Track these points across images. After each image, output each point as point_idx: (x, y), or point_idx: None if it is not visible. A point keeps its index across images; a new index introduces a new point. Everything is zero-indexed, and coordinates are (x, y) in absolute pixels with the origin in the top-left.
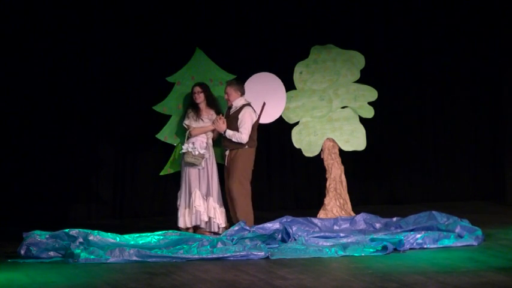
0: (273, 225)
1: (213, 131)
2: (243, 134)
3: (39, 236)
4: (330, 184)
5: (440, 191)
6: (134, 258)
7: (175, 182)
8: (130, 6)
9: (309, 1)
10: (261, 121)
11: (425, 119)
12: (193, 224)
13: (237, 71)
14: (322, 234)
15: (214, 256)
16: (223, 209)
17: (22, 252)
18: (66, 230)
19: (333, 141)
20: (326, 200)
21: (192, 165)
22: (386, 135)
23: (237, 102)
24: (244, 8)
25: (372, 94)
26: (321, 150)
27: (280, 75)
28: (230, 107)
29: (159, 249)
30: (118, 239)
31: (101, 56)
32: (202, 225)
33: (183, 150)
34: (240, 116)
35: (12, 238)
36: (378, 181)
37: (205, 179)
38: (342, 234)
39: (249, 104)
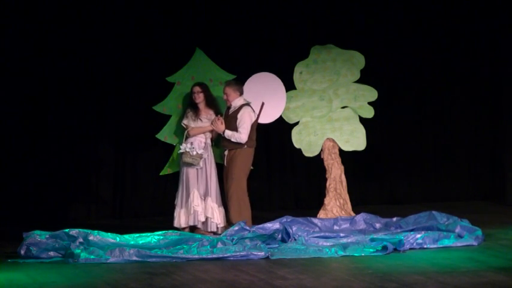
0: (273, 225)
1: (211, 131)
2: (242, 134)
3: (39, 236)
4: (330, 184)
5: (440, 191)
6: (134, 258)
7: (175, 182)
8: (130, 6)
9: (309, 1)
10: (262, 121)
11: (425, 119)
12: (190, 224)
13: (237, 71)
14: (322, 234)
15: (214, 256)
16: (222, 209)
17: (22, 252)
18: (66, 230)
19: (333, 141)
20: (326, 200)
21: (190, 165)
22: (386, 135)
23: (236, 102)
24: (244, 8)
25: (372, 94)
26: (321, 150)
27: (280, 75)
28: (229, 107)
29: (159, 249)
30: (118, 239)
31: (101, 56)
32: (199, 226)
33: (181, 150)
34: (238, 116)
35: (12, 238)
36: (378, 181)
37: (204, 179)
38: (342, 234)
39: (248, 104)
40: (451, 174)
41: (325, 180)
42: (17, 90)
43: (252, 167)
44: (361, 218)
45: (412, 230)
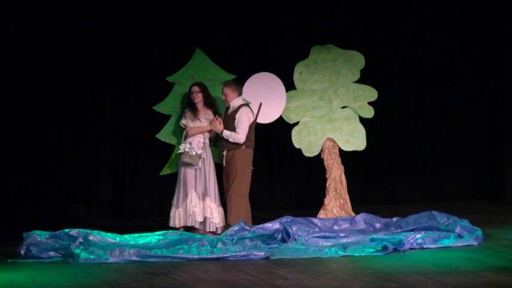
0: (273, 225)
1: (210, 131)
2: (239, 134)
3: (39, 236)
4: (330, 184)
5: (440, 191)
6: (134, 258)
7: (175, 182)
8: (130, 6)
9: (309, 1)
10: (262, 121)
11: (425, 119)
12: (187, 224)
13: (237, 71)
14: (322, 234)
15: (214, 256)
16: (220, 209)
17: (22, 252)
18: (66, 230)
19: (333, 141)
20: (326, 200)
21: (189, 165)
22: (386, 135)
23: (235, 102)
24: (244, 8)
25: (372, 94)
26: (321, 150)
27: (280, 75)
28: (228, 107)
29: (159, 249)
30: (118, 239)
31: (101, 55)
32: (197, 226)
33: (180, 151)
34: (237, 116)
35: (12, 238)
36: (378, 181)
37: (203, 179)
38: (342, 234)
39: (246, 104)
40: (451, 174)
41: (325, 180)
42: (16, 90)
43: (252, 167)
44: (361, 218)
45: (412, 230)
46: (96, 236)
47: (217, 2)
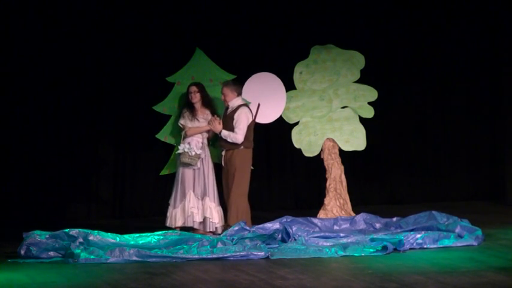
0: (273, 225)
1: (208, 131)
2: (238, 135)
3: (39, 236)
4: (330, 184)
5: (440, 191)
6: (134, 258)
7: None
8: (130, 6)
9: (309, 1)
10: (262, 121)
11: (425, 119)
12: (185, 225)
13: (237, 71)
14: (322, 234)
15: (214, 256)
16: (219, 208)
17: (22, 252)
18: (66, 230)
19: (333, 141)
20: (326, 200)
21: (188, 165)
22: (386, 135)
23: (234, 102)
24: (244, 8)
25: (372, 94)
26: (321, 150)
27: (280, 75)
28: (227, 108)
29: (159, 249)
30: (118, 239)
31: (101, 55)
32: (196, 226)
33: (179, 151)
34: (235, 116)
35: (12, 238)
36: (378, 181)
37: (201, 178)
38: (342, 234)
39: (245, 105)
40: (451, 174)
41: (325, 180)
42: (16, 90)
43: (252, 167)
44: (361, 218)
45: (412, 230)
46: (96, 236)
47: (217, 2)
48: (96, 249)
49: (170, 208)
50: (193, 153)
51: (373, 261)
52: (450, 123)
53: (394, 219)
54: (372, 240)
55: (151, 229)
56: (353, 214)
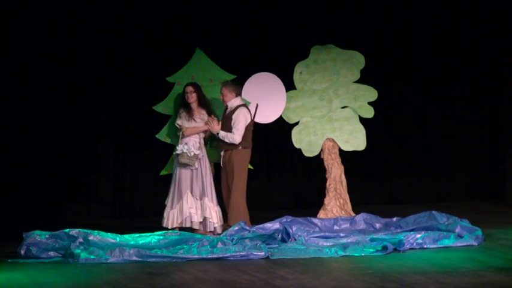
0: (273, 225)
1: (205, 131)
2: (235, 135)
3: (39, 236)
4: (330, 184)
5: (440, 191)
6: (134, 258)
7: None
8: (130, 6)
9: (309, 1)
10: (262, 121)
11: (425, 119)
12: (183, 225)
13: (237, 71)
14: (322, 234)
15: (214, 256)
16: (218, 208)
17: (22, 252)
18: (66, 230)
19: (333, 141)
20: (326, 200)
21: (186, 165)
22: (386, 135)
23: (232, 102)
24: (244, 8)
25: (372, 94)
26: (321, 150)
27: (280, 75)
28: (226, 108)
29: (159, 249)
30: (118, 239)
31: (101, 55)
32: (196, 227)
33: (178, 151)
34: (233, 116)
35: (12, 238)
36: (378, 181)
37: (199, 179)
38: (342, 234)
39: (244, 105)
40: (451, 174)
41: (325, 180)
42: (16, 90)
43: (252, 167)
44: (361, 218)
45: (412, 230)
46: (96, 236)
47: (217, 3)
48: (96, 249)
49: (167, 209)
50: (192, 153)
51: (373, 261)
52: (450, 123)
53: (394, 219)
54: (372, 240)
55: (151, 229)
56: (353, 214)
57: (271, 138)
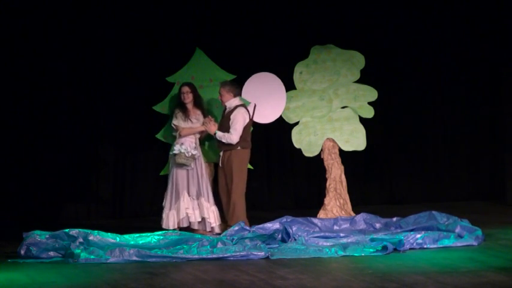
0: (273, 225)
1: (201, 131)
2: (232, 135)
3: (39, 236)
4: (330, 184)
5: (440, 191)
6: (134, 258)
7: None
8: (130, 5)
9: (309, 1)
10: (262, 121)
11: (425, 119)
12: (181, 225)
13: (237, 71)
14: (322, 234)
15: (214, 256)
16: (215, 208)
17: (22, 252)
18: (66, 230)
19: (333, 141)
20: (326, 200)
21: (182, 166)
22: (386, 135)
23: (231, 103)
24: (244, 8)
25: (372, 94)
26: (321, 150)
27: (280, 75)
28: (225, 108)
29: (159, 249)
30: (118, 239)
31: (101, 55)
32: (195, 227)
33: (175, 152)
34: (232, 116)
35: (12, 238)
36: (378, 181)
37: (196, 179)
38: (342, 234)
39: (242, 105)
40: (451, 174)
41: (325, 180)
42: (17, 90)
43: (251, 167)
44: (361, 218)
45: (412, 230)
46: (96, 236)
47: (217, 2)
48: (96, 249)
49: (166, 210)
50: (190, 153)
51: (373, 261)
52: (450, 123)
53: (394, 219)
54: (372, 240)
55: (152, 229)
56: (353, 214)
57: (271, 138)
